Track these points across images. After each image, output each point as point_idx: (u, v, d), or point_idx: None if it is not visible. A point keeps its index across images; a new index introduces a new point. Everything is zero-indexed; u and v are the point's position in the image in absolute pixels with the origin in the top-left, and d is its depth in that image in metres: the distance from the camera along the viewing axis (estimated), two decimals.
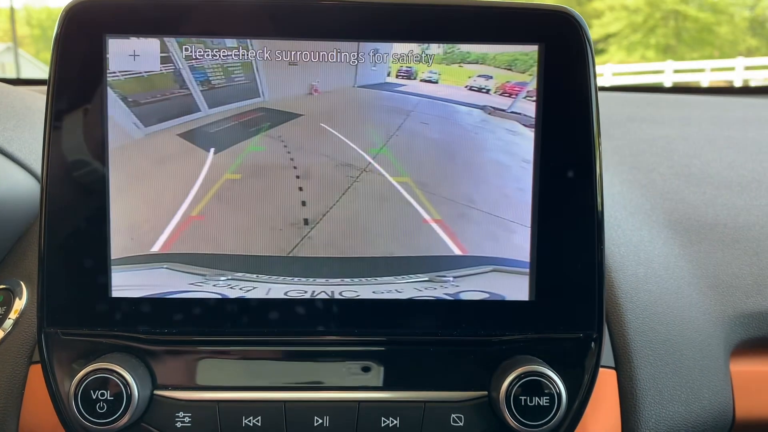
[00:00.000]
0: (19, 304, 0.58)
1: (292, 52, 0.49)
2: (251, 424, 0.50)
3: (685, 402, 0.57)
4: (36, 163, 0.69)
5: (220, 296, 0.50)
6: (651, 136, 0.91)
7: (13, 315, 0.57)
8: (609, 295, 0.60)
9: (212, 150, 0.50)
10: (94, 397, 0.48)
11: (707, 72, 11.61)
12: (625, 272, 0.62)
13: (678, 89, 1.29)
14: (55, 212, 0.49)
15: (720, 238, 0.70)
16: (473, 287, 0.51)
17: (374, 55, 0.50)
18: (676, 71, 11.80)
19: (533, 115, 0.50)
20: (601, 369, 0.53)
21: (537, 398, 0.49)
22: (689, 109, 1.08)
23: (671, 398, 0.56)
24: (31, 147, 0.70)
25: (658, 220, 0.71)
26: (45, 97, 0.81)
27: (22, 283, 0.60)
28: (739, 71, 11.06)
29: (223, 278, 0.50)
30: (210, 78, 0.49)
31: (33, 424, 0.54)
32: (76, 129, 0.49)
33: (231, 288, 0.50)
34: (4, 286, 0.60)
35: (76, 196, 0.50)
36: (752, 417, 0.61)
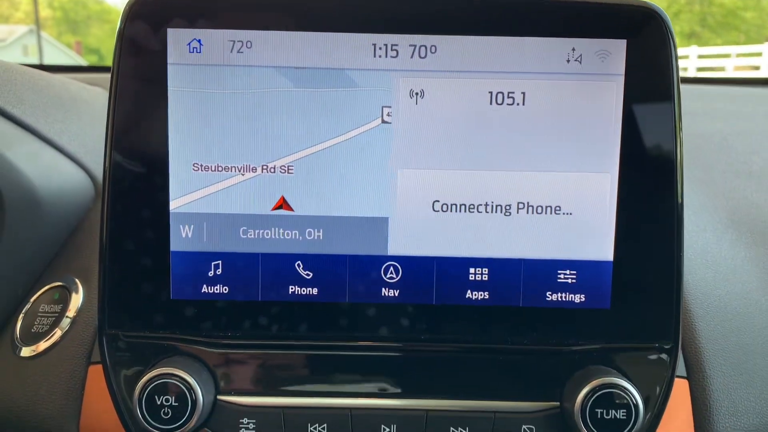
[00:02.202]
0: (76, 302, 0.57)
1: None
2: (317, 431, 0.49)
3: (760, 414, 0.55)
4: (85, 156, 0.68)
5: (283, 299, 0.49)
6: (706, 131, 0.88)
7: (70, 313, 0.57)
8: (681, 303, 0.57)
9: None
10: (159, 403, 0.47)
11: (733, 57, 11.39)
12: (693, 276, 0.60)
13: (726, 80, 1.25)
14: (117, 214, 0.48)
15: None
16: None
17: None
18: (700, 56, 11.60)
19: None
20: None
21: (613, 411, 0.47)
22: (741, 102, 1.05)
23: (745, 410, 0.54)
24: (80, 139, 0.69)
25: (722, 220, 0.69)
26: (86, 86, 0.80)
27: (77, 280, 0.59)
28: (766, 56, 10.83)
29: None
30: None
31: (93, 425, 0.53)
32: (138, 125, 0.48)
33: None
34: (60, 284, 0.59)
35: (138, 195, 0.48)
36: None
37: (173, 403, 0.47)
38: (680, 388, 0.54)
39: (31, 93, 0.67)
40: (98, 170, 0.68)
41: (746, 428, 0.54)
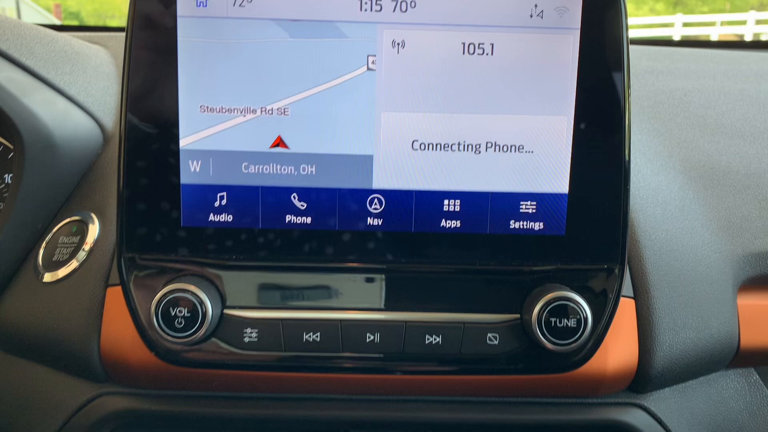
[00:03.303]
0: (93, 233, 0.64)
1: None
2: (311, 339, 0.56)
3: (696, 329, 0.63)
4: (93, 105, 0.73)
5: (281, 227, 0.56)
6: (668, 88, 0.95)
7: (88, 242, 0.63)
8: (630, 232, 0.65)
9: None
10: (173, 314, 0.54)
11: (718, 26, 11.44)
12: (644, 213, 0.67)
13: (693, 43, 1.32)
14: (134, 151, 0.54)
15: (732, 184, 0.75)
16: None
17: None
18: (685, 24, 11.63)
19: None
20: (621, 298, 0.58)
21: (566, 320, 0.55)
22: (704, 62, 1.11)
23: (684, 325, 0.62)
24: (87, 90, 0.74)
25: (675, 166, 0.76)
26: (87, 43, 0.85)
27: (93, 214, 0.65)
28: (750, 25, 10.90)
29: None
30: None
31: (112, 341, 0.60)
32: (151, 73, 0.54)
33: None
34: (77, 218, 0.65)
35: (152, 135, 0.54)
36: (755, 345, 0.67)
37: (186, 315, 0.54)
38: (628, 307, 0.62)
39: (41, 47, 0.72)
40: (105, 119, 0.74)
41: (684, 342, 0.62)
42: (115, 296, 0.60)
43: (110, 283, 0.61)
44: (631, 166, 0.71)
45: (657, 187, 0.71)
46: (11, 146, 0.71)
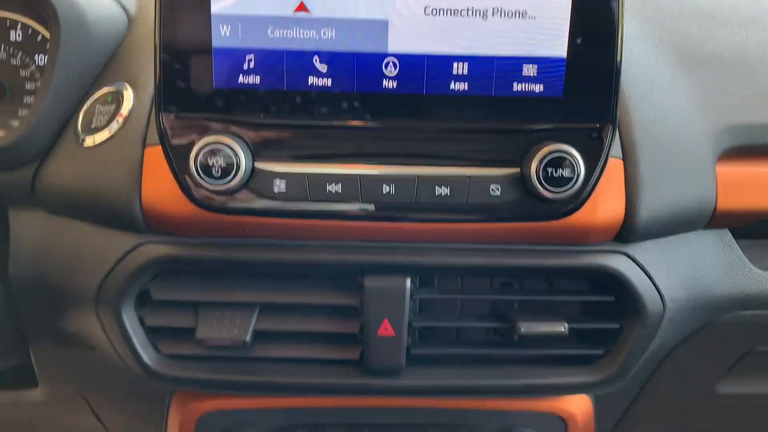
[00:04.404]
0: (128, 101, 0.69)
1: None
2: (333, 190, 0.62)
3: (677, 189, 0.70)
4: None
5: (304, 88, 0.61)
6: None
7: (124, 109, 0.68)
8: (621, 100, 0.70)
9: None
10: (210, 164, 0.60)
11: None
12: (634, 85, 0.73)
13: None
14: (168, 17, 0.59)
15: (717, 65, 0.80)
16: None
17: None
18: None
19: None
20: (611, 159, 0.65)
21: (561, 171, 0.61)
22: None
23: (667, 184, 0.69)
24: None
25: (665, 48, 0.81)
26: None
27: (126, 84, 0.70)
28: None
29: None
30: None
31: (153, 194, 0.66)
32: None
33: None
34: (113, 89, 0.70)
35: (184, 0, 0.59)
36: (730, 208, 0.74)
37: (222, 165, 0.60)
38: (616, 167, 0.69)
39: None
40: (128, 3, 0.78)
41: (666, 198, 0.69)
42: (153, 155, 0.66)
43: (148, 143, 0.66)
44: (625, 44, 0.77)
45: (647, 64, 0.77)
46: (39, 28, 0.75)
